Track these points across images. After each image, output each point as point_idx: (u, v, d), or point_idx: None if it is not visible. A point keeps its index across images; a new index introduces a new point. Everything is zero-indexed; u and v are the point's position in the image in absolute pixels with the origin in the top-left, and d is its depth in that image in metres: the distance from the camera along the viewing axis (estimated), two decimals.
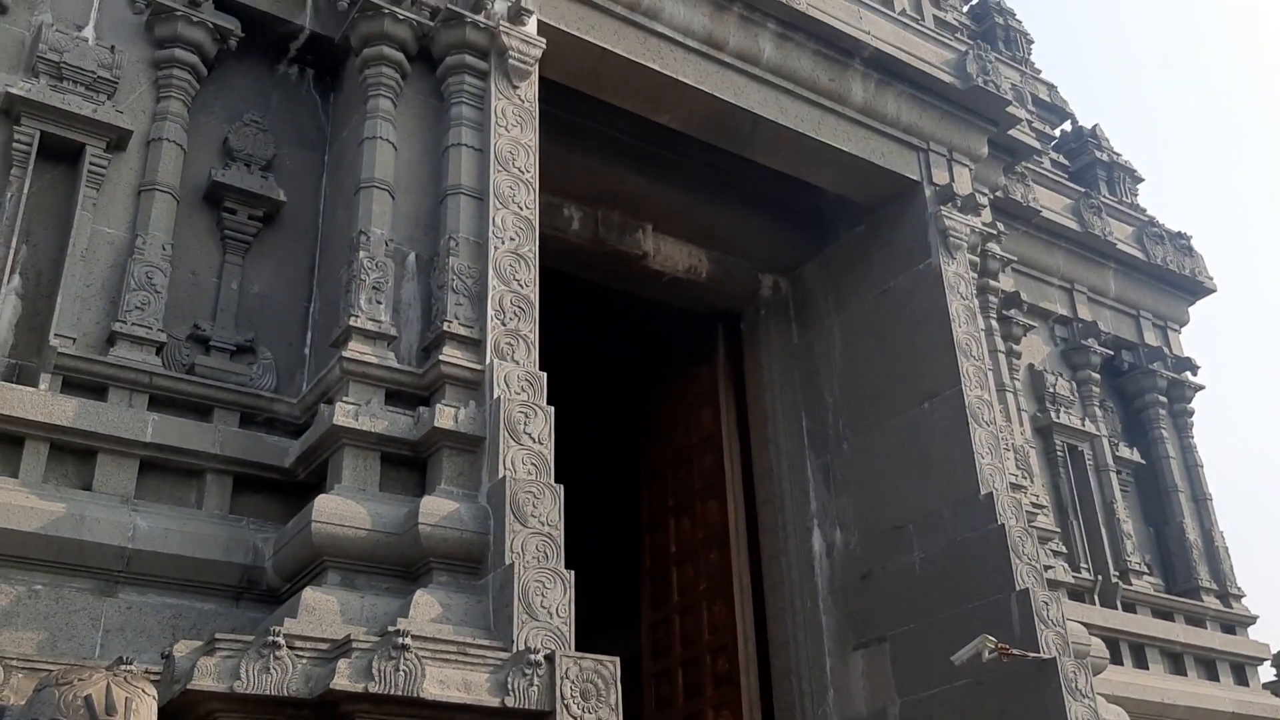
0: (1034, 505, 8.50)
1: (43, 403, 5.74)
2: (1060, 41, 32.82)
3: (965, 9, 11.70)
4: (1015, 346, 9.78)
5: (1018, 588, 7.35)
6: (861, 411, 9.00)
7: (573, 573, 5.51)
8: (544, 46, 7.22)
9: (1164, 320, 12.01)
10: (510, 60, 7.06)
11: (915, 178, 8.98)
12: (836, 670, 8.54)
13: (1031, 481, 8.80)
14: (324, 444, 6.04)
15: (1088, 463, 10.38)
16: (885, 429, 8.75)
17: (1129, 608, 9.93)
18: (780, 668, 9.01)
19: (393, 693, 4.78)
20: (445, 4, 7.07)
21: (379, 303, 6.35)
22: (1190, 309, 12.26)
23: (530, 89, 7.15)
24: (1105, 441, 10.64)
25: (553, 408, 6.14)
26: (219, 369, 6.44)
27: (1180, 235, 12.17)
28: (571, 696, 5.04)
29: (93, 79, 6.54)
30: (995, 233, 9.47)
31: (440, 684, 4.90)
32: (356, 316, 6.24)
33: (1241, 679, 10.50)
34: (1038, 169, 11.19)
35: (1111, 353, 11.32)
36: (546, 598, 5.36)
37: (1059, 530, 9.29)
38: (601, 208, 9.12)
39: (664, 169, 9.09)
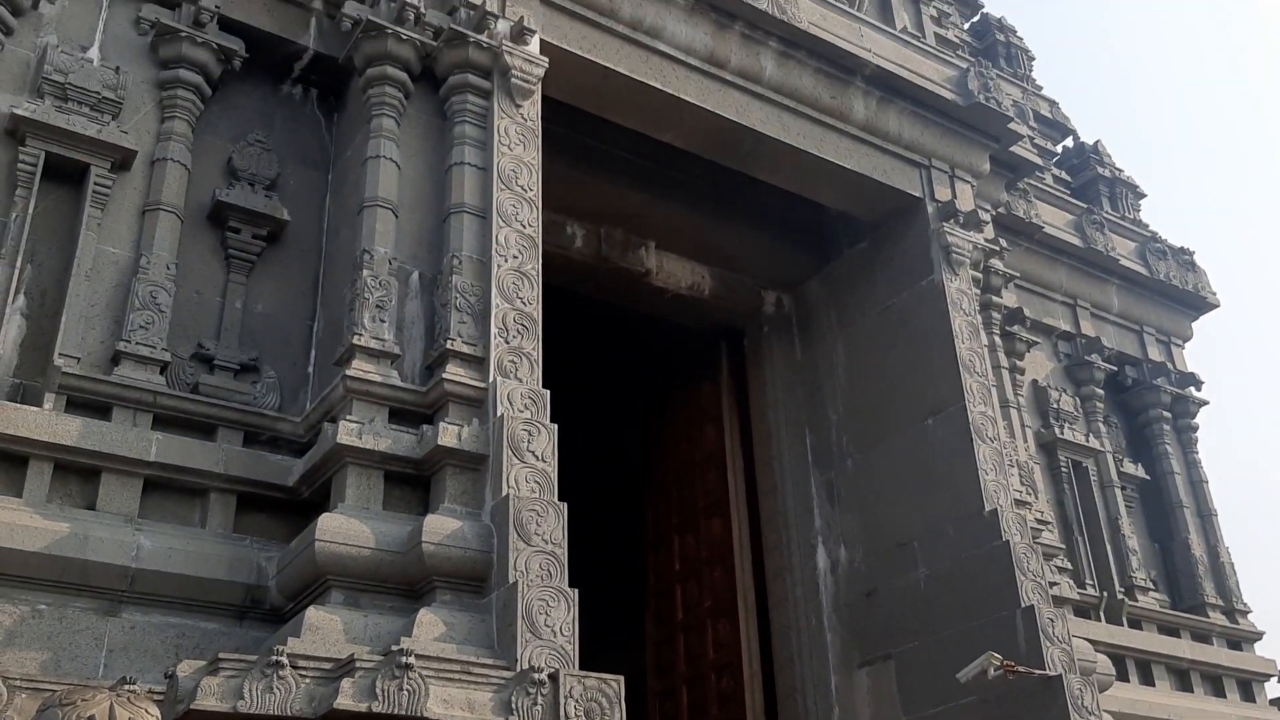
0: (1038, 521, 8.48)
1: (47, 422, 5.75)
2: (1061, 58, 32.94)
3: (966, 26, 11.76)
4: (1019, 362, 9.79)
5: (1023, 604, 7.34)
6: (865, 428, 9.00)
7: (576, 591, 5.50)
8: (546, 65, 7.26)
9: (1167, 335, 12.02)
10: (513, 79, 7.09)
11: (917, 194, 9.00)
12: (841, 688, 8.51)
13: (1036, 497, 8.79)
14: (327, 462, 6.05)
15: (1092, 478, 10.37)
16: (889, 445, 8.74)
17: (1135, 624, 9.91)
18: (785, 686, 8.98)
19: (396, 712, 4.77)
20: (448, 24, 7.11)
21: (382, 321, 6.37)
22: (1193, 324, 12.27)
23: (533, 108, 7.18)
24: (1109, 457, 10.63)
25: (556, 425, 6.14)
26: (223, 388, 6.45)
27: (1183, 250, 12.19)
28: (576, 715, 5.02)
29: (98, 99, 6.57)
30: (998, 249, 9.49)
31: (444, 703, 4.89)
32: (360, 335, 6.25)
33: (1248, 695, 10.46)
34: (1040, 185, 11.22)
35: (1115, 368, 11.32)
36: (550, 616, 5.36)
37: (1064, 546, 9.27)
38: (604, 225, 9.14)
39: (666, 186, 9.12)
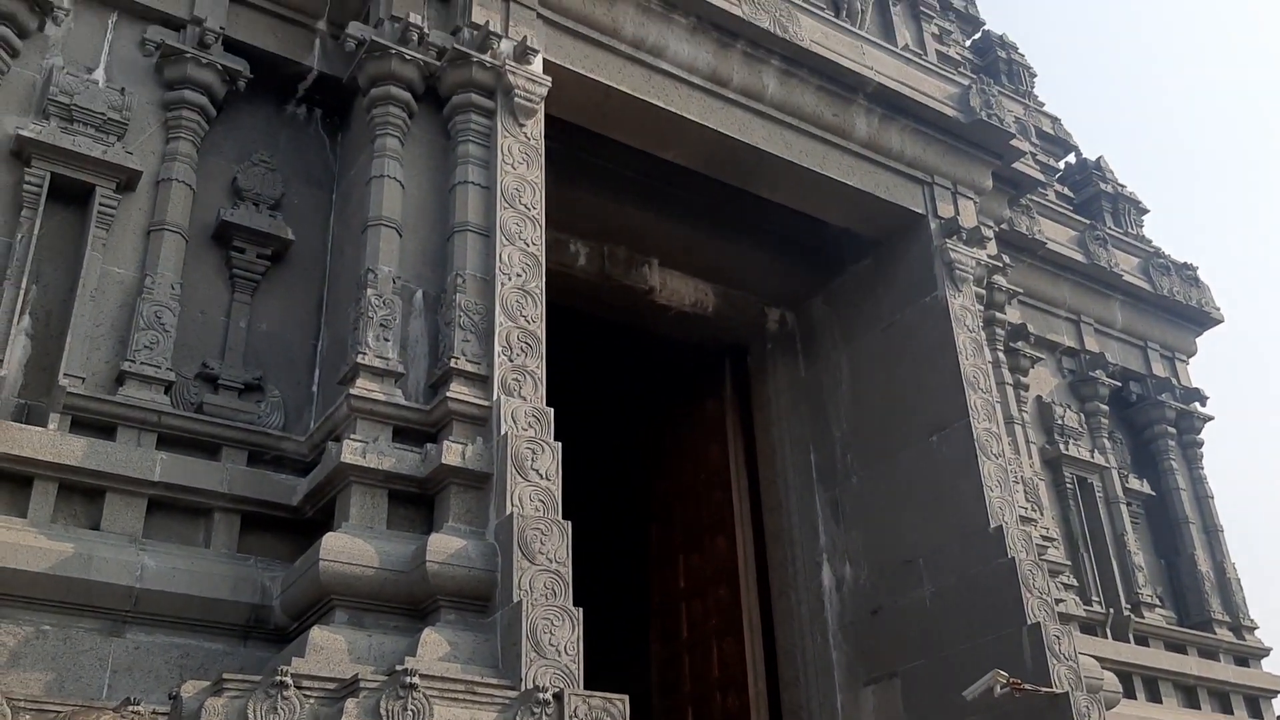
0: (1044, 538, 8.46)
1: (51, 442, 5.76)
2: (1063, 75, 33.02)
3: (968, 43, 11.79)
4: (1023, 379, 9.78)
5: (1029, 621, 7.31)
6: (869, 445, 8.99)
7: (581, 610, 5.49)
8: (549, 85, 7.28)
9: (1171, 351, 12.01)
10: (516, 98, 7.12)
11: (920, 211, 9.01)
12: (847, 706, 8.48)
13: (1041, 514, 8.77)
14: (331, 482, 6.05)
15: (1097, 495, 10.35)
16: (894, 462, 8.73)
17: (1141, 641, 9.86)
18: (791, 704, 8.94)
19: None
20: (452, 44, 7.14)
21: (386, 340, 6.37)
22: (1197, 339, 12.26)
23: (536, 126, 7.21)
24: (1115, 473, 10.61)
25: (560, 443, 6.14)
26: (227, 407, 6.46)
27: (1186, 266, 12.19)
28: None
29: (103, 120, 6.61)
30: (1001, 265, 9.49)
31: None
32: (364, 354, 6.26)
33: (1255, 712, 10.41)
34: (1043, 201, 11.23)
35: (1119, 384, 11.31)
36: (555, 635, 5.34)
37: (1069, 563, 9.24)
38: (607, 243, 9.16)
39: (669, 204, 9.14)
